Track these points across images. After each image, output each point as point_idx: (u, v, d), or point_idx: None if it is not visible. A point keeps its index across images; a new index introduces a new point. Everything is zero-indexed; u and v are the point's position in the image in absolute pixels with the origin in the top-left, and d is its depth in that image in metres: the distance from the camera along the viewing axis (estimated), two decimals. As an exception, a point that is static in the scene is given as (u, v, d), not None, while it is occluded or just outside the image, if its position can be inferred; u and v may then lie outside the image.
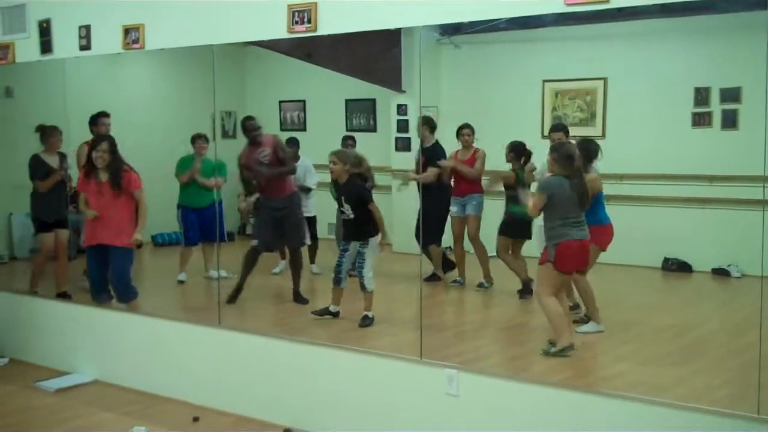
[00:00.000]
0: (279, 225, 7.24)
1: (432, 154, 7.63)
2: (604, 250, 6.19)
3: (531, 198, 5.86)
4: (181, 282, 7.97)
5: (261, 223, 7.46)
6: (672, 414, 4.18)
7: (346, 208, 6.45)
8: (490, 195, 7.58)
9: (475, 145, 7.68)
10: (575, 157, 5.61)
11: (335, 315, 6.54)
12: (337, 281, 6.53)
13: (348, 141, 8.20)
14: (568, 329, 5.62)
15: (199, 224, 7.84)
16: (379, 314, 6.54)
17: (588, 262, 5.91)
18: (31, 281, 7.33)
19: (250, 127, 7.24)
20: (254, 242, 7.29)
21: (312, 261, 8.12)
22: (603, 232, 6.11)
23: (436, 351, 5.22)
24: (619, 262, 7.26)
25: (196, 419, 5.60)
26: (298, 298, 7.16)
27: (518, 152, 7.08)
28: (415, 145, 8.31)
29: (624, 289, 7.52)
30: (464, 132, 7.69)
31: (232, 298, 6.97)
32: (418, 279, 5.65)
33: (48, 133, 7.23)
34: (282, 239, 7.40)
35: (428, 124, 7.72)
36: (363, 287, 6.44)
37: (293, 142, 8.10)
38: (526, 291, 7.11)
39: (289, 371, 5.54)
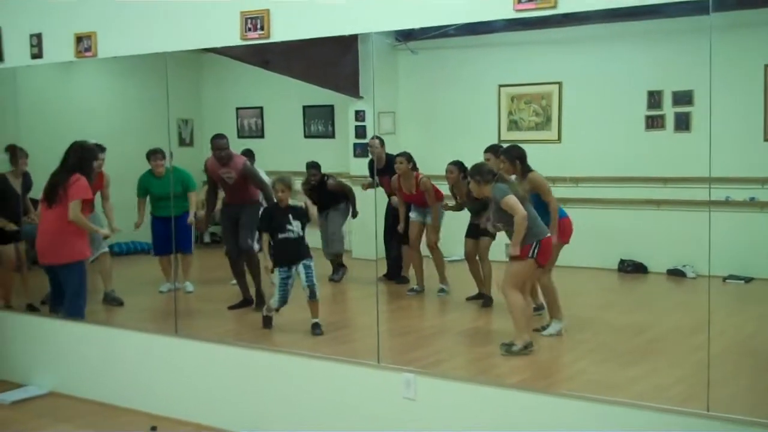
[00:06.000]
0: (234, 227, 7.25)
1: (393, 170, 7.67)
2: (566, 243, 6.26)
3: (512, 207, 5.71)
4: (162, 292, 7.77)
5: (223, 229, 7.54)
6: (627, 413, 4.24)
7: (295, 225, 6.43)
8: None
9: (419, 174, 7.60)
10: (493, 170, 5.95)
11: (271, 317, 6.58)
12: (282, 304, 6.49)
13: (312, 171, 8.18)
14: (529, 327, 5.68)
15: (170, 235, 7.41)
16: (338, 320, 6.56)
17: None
18: (2, 296, 7.20)
19: (215, 145, 7.27)
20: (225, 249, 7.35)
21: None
22: (562, 226, 6.18)
23: (395, 356, 5.24)
24: (576, 264, 7.32)
25: (153, 429, 5.55)
26: (259, 300, 7.09)
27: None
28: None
29: (580, 290, 7.59)
30: (397, 160, 7.58)
31: (236, 306, 7.17)
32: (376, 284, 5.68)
33: (19, 155, 7.15)
34: (235, 241, 7.32)
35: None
36: (314, 295, 6.44)
37: (248, 154, 8.07)
38: (484, 302, 7.13)
39: (246, 378, 5.53)
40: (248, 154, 8.01)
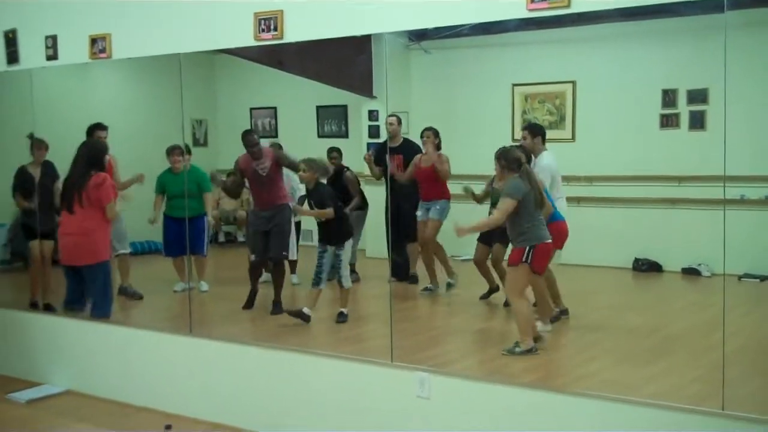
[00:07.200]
0: (265, 235, 7.17)
1: (407, 150, 7.67)
2: (560, 248, 6.21)
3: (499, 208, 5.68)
4: (176, 291, 7.81)
5: (249, 233, 7.53)
6: (642, 412, 4.23)
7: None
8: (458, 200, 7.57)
9: (440, 151, 7.56)
10: (522, 159, 5.74)
11: (306, 320, 6.51)
12: (317, 282, 6.62)
13: (333, 153, 8.16)
14: (532, 332, 5.67)
15: (185, 235, 7.42)
16: (351, 319, 6.58)
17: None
18: (32, 291, 7.27)
19: (249, 142, 7.20)
20: (252, 257, 7.30)
21: (292, 271, 7.99)
22: (558, 230, 6.07)
23: (408, 355, 5.25)
24: (590, 263, 7.31)
25: (168, 427, 5.58)
26: (275, 308, 7.00)
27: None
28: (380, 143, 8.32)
29: (595, 289, 7.58)
30: (425, 134, 7.53)
31: (248, 303, 7.15)
32: (388, 283, 5.68)
33: (38, 146, 7.23)
34: (265, 249, 7.24)
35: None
36: (341, 285, 6.66)
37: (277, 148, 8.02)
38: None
39: (261, 377, 5.55)
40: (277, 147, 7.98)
